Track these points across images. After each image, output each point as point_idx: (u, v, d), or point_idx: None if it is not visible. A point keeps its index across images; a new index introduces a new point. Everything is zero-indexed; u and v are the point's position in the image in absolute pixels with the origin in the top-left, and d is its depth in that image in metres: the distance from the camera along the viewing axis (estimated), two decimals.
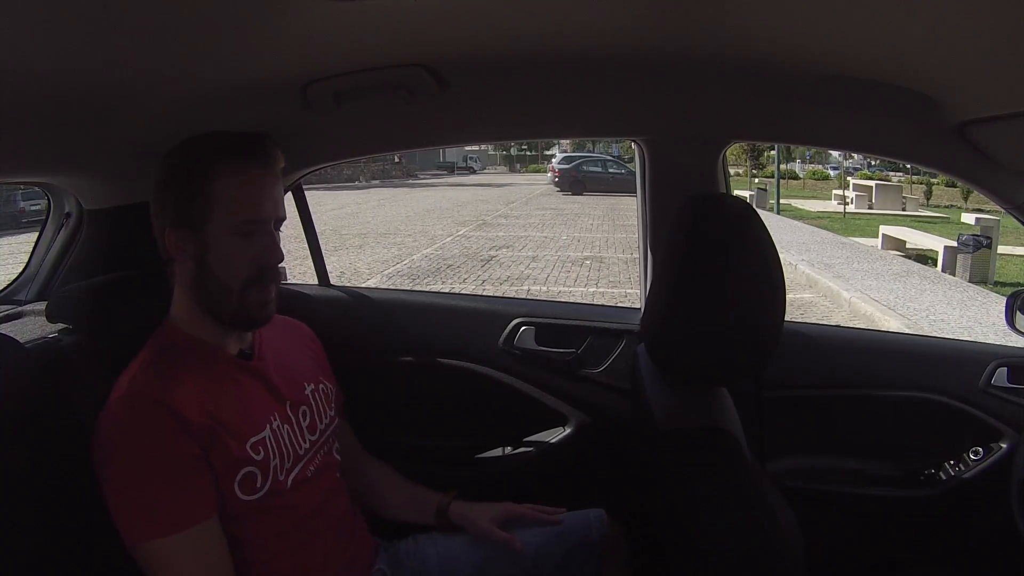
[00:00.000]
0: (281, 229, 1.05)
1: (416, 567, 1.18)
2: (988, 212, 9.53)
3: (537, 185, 23.90)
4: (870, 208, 16.21)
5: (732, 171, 10.49)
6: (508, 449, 1.56)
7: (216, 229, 0.97)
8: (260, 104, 1.30)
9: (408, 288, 6.64)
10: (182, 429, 0.90)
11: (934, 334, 4.67)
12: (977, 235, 7.85)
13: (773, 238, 0.88)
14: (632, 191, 1.64)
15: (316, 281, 1.70)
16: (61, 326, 1.15)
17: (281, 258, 1.02)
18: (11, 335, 0.98)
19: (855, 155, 16.23)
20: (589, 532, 1.21)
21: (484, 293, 6.50)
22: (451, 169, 37.18)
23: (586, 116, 1.41)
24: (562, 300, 5.95)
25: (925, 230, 10.59)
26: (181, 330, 1.02)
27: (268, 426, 1.01)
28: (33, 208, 8.01)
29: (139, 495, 0.88)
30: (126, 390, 0.93)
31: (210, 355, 1.02)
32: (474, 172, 37.09)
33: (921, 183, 20.73)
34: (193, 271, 1.00)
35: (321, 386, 1.16)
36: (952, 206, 18.22)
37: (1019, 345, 1.48)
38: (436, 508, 1.24)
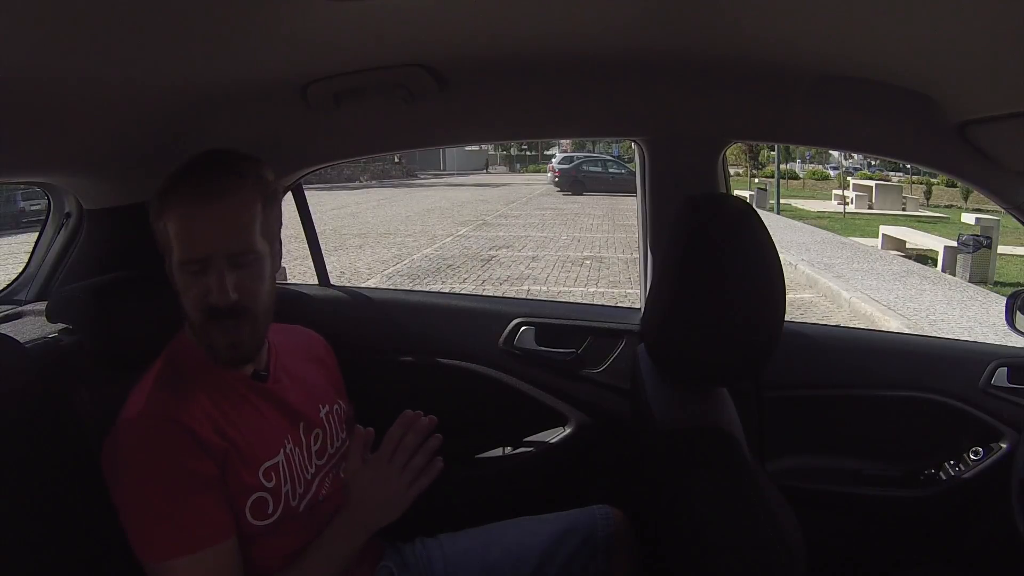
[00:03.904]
0: (243, 262, 0.93)
1: (422, 569, 1.18)
2: (988, 212, 9.52)
3: (537, 185, 23.90)
4: (870, 208, 16.20)
5: (732, 171, 10.49)
6: (508, 449, 1.56)
7: (174, 263, 0.94)
8: (260, 104, 1.30)
9: (408, 288, 6.64)
10: (200, 448, 0.90)
11: (934, 334, 4.67)
12: (977, 235, 7.84)
13: (773, 238, 0.88)
14: (632, 191, 1.64)
15: (316, 281, 1.70)
16: (61, 326, 1.15)
17: (227, 300, 0.92)
18: (11, 335, 0.98)
19: (855, 155, 16.27)
20: (594, 529, 1.21)
21: (484, 293, 6.50)
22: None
23: (586, 116, 1.41)
24: (562, 300, 5.95)
25: (925, 230, 10.59)
26: (194, 346, 1.00)
27: (282, 450, 1.00)
28: (33, 208, 7.99)
29: (157, 514, 0.87)
30: (142, 408, 0.91)
31: (223, 374, 1.00)
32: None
33: (921, 183, 20.71)
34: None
35: (336, 407, 1.15)
36: (952, 206, 18.21)
37: (1019, 345, 1.48)
38: None
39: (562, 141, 20.99)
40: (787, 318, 0.91)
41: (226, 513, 0.92)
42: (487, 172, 36.69)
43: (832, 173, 28.63)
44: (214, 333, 0.94)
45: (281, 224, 1.05)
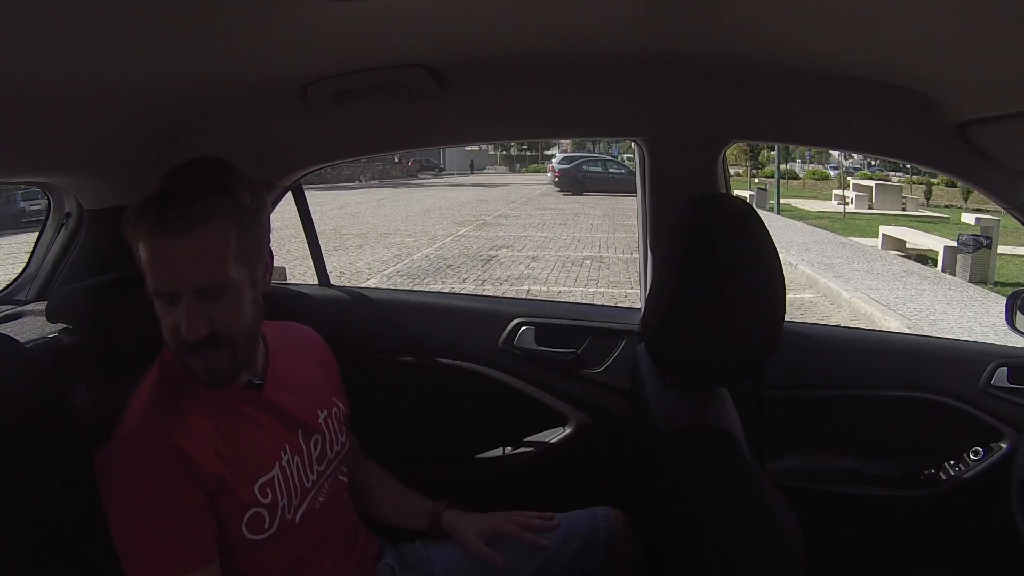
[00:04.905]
0: (215, 295, 0.89)
1: (423, 568, 1.18)
2: (988, 212, 9.52)
3: (537, 185, 23.90)
4: (870, 208, 16.20)
5: (732, 171, 10.48)
6: (508, 449, 1.56)
7: (147, 287, 0.91)
8: (260, 104, 1.30)
9: (408, 288, 6.64)
10: (189, 475, 0.90)
11: (934, 334, 4.67)
12: (977, 235, 7.84)
13: (773, 238, 0.88)
14: (632, 191, 1.64)
15: (316, 281, 1.70)
16: (61, 326, 1.15)
17: (195, 336, 0.88)
18: (11, 335, 0.98)
19: (855, 155, 16.25)
20: (596, 531, 1.21)
21: (484, 293, 6.50)
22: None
23: (586, 116, 1.41)
24: (562, 300, 5.95)
25: (925, 230, 10.59)
26: None
27: (277, 463, 0.99)
28: (33, 208, 8.00)
29: (137, 536, 0.88)
30: (136, 428, 0.91)
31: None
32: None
33: (921, 183, 20.72)
34: None
35: (334, 410, 1.14)
36: (952, 206, 18.21)
37: (1019, 345, 1.48)
38: (428, 516, 1.23)
39: (562, 141, 21.01)
40: (787, 318, 0.91)
41: (210, 540, 0.92)
42: (472, 173, 36.58)
43: (832, 173, 28.63)
44: (190, 360, 0.92)
45: (269, 239, 1.01)
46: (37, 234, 1.47)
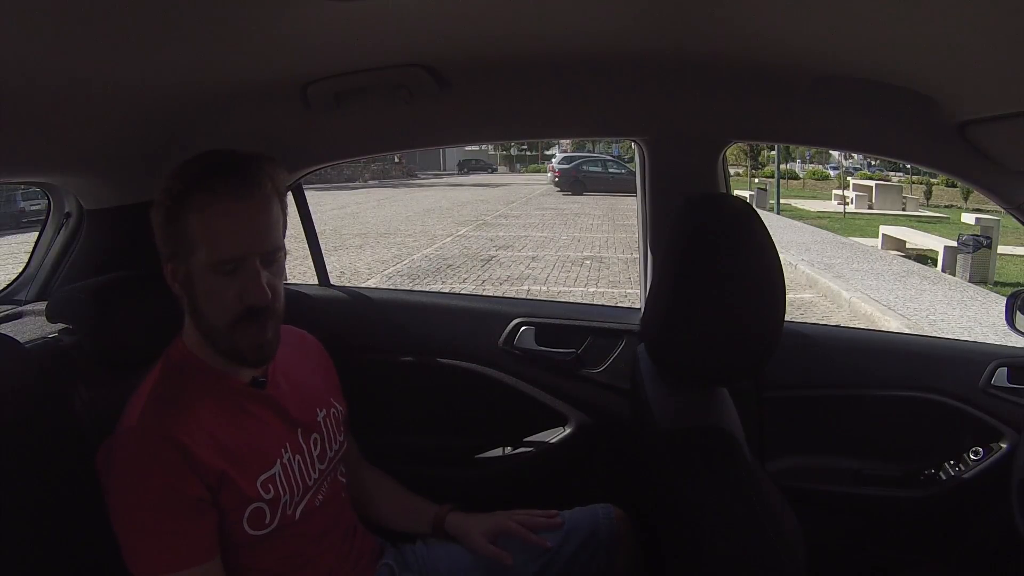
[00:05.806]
0: (273, 259, 0.95)
1: (423, 569, 1.18)
2: (988, 212, 9.52)
3: (537, 185, 23.90)
4: (870, 208, 16.20)
5: (732, 171, 10.48)
6: (508, 449, 1.56)
7: (198, 265, 0.92)
8: (260, 104, 1.30)
9: (408, 288, 6.65)
10: (191, 470, 0.90)
11: (934, 334, 4.67)
12: (977, 235, 7.84)
13: (773, 238, 0.88)
14: (632, 191, 1.64)
15: (316, 281, 1.70)
16: (61, 326, 1.15)
17: (267, 298, 0.92)
18: (11, 335, 0.98)
19: (855, 155, 16.25)
20: (597, 528, 1.21)
21: (484, 293, 6.50)
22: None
23: (586, 116, 1.41)
24: (562, 300, 5.95)
25: (925, 230, 10.59)
26: (193, 353, 0.99)
27: (279, 460, 1.00)
28: (33, 208, 8.01)
29: (141, 531, 0.88)
30: (137, 422, 0.91)
31: (222, 383, 0.99)
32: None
33: (921, 183, 20.72)
34: (187, 304, 0.97)
35: (332, 410, 1.15)
36: (952, 206, 18.21)
37: (1019, 345, 1.48)
38: (433, 520, 1.23)
39: (562, 141, 21.01)
40: (787, 318, 0.91)
41: (212, 535, 0.92)
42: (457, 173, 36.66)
43: (832, 173, 28.62)
44: (240, 336, 0.94)
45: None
46: (37, 234, 1.47)
